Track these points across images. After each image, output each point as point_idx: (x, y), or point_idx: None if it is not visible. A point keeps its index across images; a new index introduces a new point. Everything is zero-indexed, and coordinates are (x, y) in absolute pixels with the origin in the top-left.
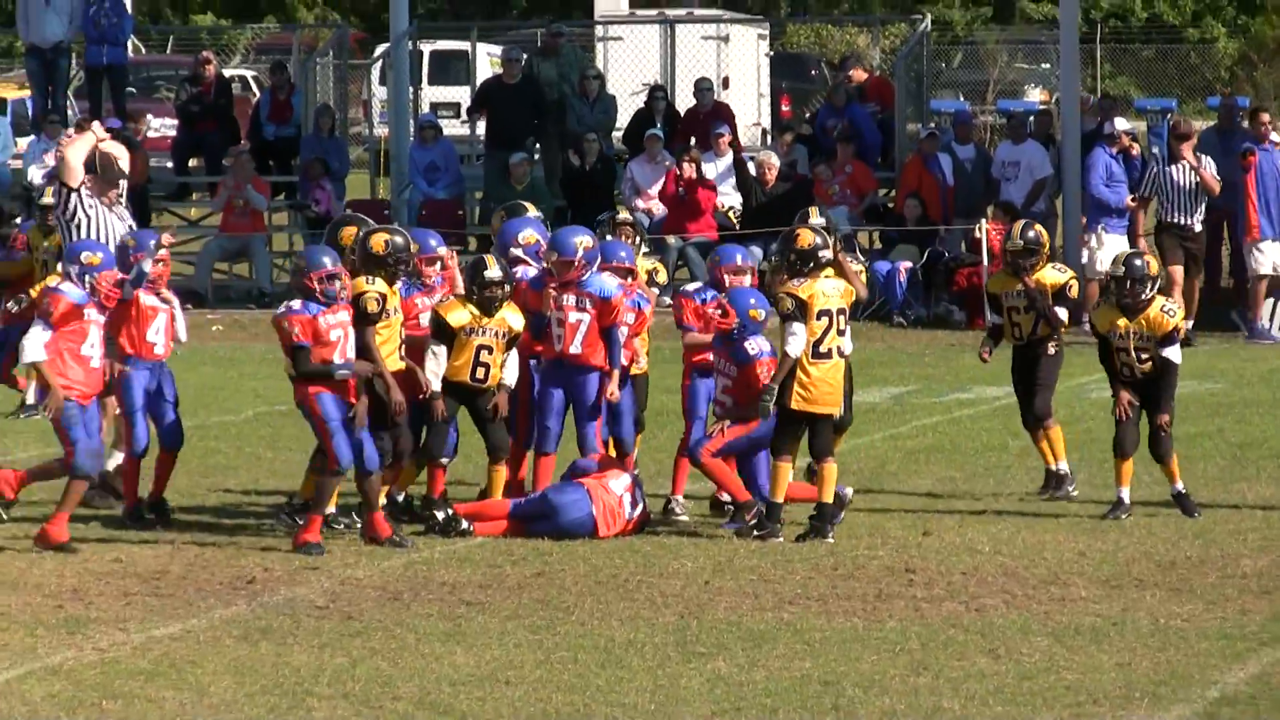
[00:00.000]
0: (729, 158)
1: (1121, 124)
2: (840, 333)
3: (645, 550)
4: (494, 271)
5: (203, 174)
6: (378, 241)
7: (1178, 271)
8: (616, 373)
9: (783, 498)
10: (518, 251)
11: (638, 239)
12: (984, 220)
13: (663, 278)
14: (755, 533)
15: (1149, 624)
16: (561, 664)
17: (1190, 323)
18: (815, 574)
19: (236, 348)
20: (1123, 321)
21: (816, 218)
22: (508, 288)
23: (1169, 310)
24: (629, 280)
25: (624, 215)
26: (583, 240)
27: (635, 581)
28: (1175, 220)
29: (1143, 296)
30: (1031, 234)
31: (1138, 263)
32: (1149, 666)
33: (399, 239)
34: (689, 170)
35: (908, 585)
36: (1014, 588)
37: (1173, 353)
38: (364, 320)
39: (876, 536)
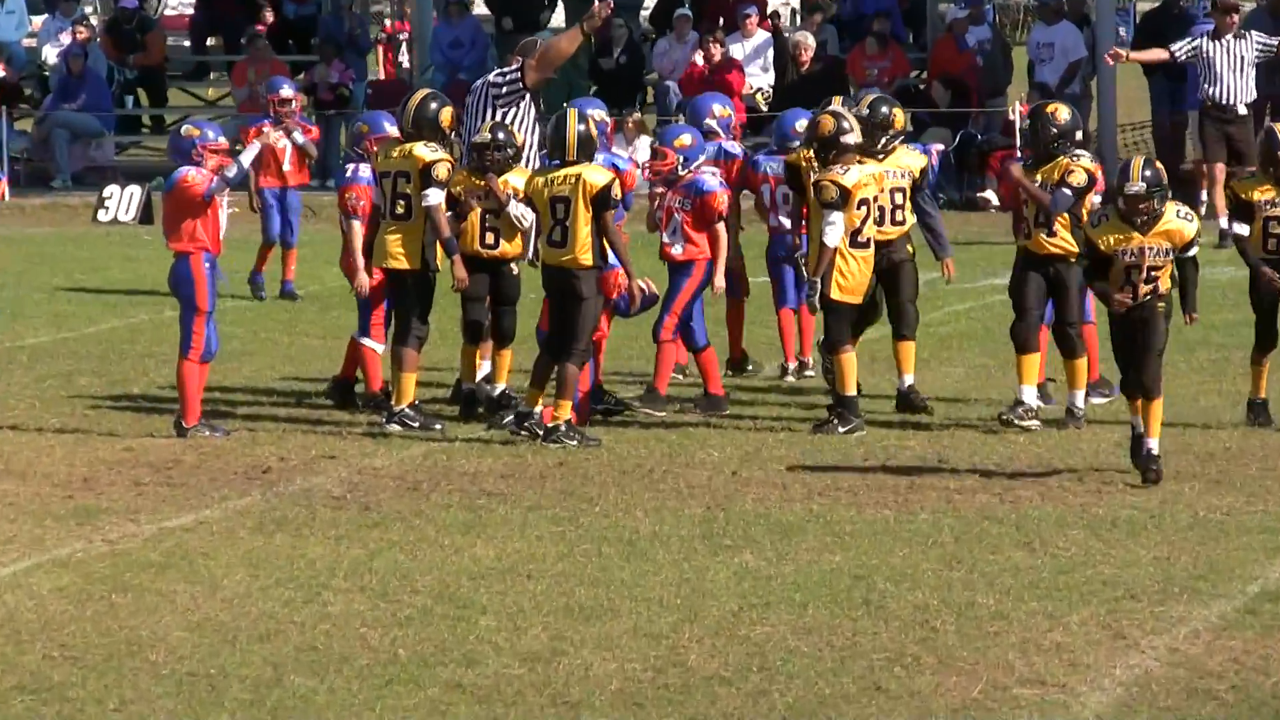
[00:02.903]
0: (757, 39)
1: None
2: (878, 221)
3: (671, 439)
4: (484, 134)
5: (221, 53)
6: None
7: (1218, 169)
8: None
9: (853, 389)
10: (711, 123)
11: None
12: (1017, 102)
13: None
14: (840, 429)
15: (1188, 517)
16: (585, 557)
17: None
18: (845, 465)
19: (252, 229)
20: (1137, 237)
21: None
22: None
23: (1185, 215)
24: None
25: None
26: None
27: (660, 472)
28: (1218, 100)
29: (1159, 210)
30: (1151, 172)
31: (1150, 173)
32: (1188, 561)
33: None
34: (716, 51)
35: (940, 476)
36: (1049, 480)
37: (1193, 252)
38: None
39: (907, 426)
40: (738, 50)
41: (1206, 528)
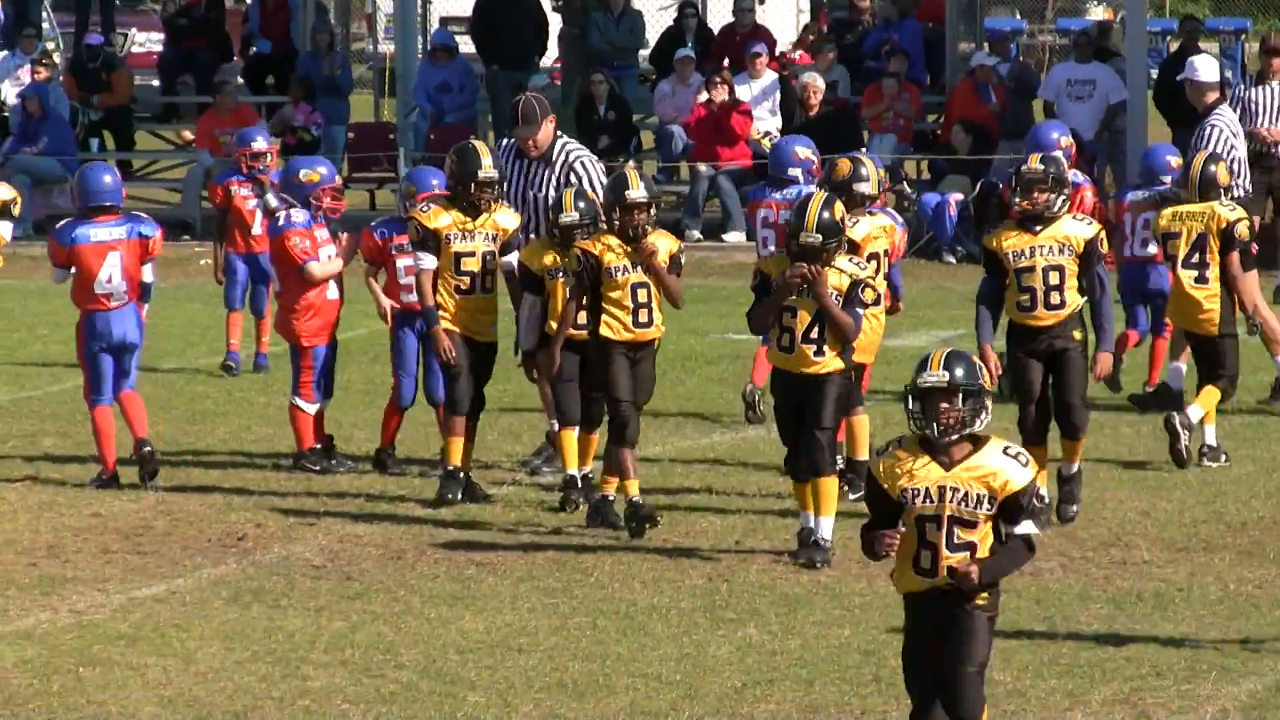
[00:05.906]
0: (766, 79)
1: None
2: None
3: (671, 508)
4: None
5: (191, 94)
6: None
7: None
8: None
9: (865, 451)
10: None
11: None
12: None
13: None
14: (851, 495)
15: (1217, 590)
16: (579, 630)
17: None
18: (854, 533)
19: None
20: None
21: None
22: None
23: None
24: None
25: None
26: None
27: (659, 541)
28: (1262, 149)
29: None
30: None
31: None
32: (1217, 636)
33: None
34: (721, 93)
35: None
36: (1071, 550)
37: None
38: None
39: None
40: (744, 92)
41: (1237, 602)
